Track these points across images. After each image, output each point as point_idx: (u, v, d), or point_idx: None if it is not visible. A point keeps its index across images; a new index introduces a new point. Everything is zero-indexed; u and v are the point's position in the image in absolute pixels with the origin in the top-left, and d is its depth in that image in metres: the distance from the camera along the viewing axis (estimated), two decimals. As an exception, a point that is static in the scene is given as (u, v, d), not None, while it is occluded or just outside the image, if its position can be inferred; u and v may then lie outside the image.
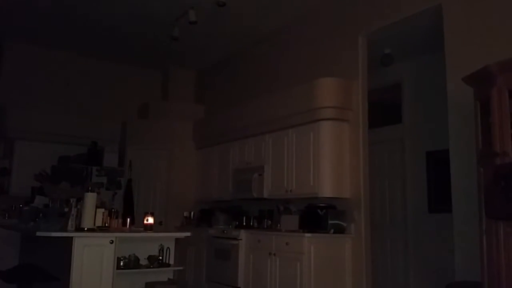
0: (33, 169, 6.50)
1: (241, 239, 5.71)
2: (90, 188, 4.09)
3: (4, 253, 5.71)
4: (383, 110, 6.83)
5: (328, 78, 5.34)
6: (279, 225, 5.60)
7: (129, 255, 4.08)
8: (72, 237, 3.68)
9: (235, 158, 6.69)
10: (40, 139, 7.24)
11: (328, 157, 5.20)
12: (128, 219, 4.67)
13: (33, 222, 4.81)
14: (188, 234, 4.59)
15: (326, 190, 5.15)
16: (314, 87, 5.35)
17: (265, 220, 6.07)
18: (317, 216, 5.12)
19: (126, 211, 6.21)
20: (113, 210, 4.55)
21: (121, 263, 3.98)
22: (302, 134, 5.48)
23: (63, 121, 7.45)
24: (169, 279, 4.27)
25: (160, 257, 4.26)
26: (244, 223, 6.27)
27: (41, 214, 4.92)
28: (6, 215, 6.57)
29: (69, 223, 3.86)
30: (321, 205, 5.19)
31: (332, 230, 5.05)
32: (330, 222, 5.06)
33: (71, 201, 4.00)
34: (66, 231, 3.81)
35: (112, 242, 3.79)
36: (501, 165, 3.14)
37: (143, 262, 4.17)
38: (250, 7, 6.09)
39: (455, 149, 4.29)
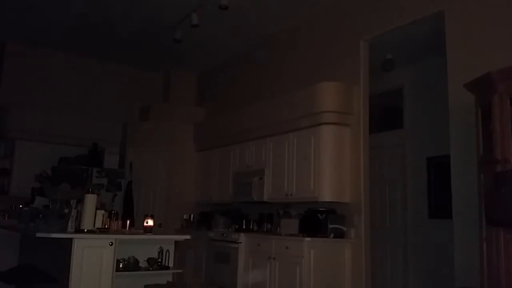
0: (33, 170, 6.51)
1: (240, 243, 5.71)
2: (90, 190, 4.10)
3: (3, 254, 5.70)
4: (384, 115, 6.83)
5: (329, 83, 5.34)
6: (279, 229, 5.60)
7: (129, 257, 4.08)
8: (71, 239, 3.68)
9: (235, 161, 6.69)
10: (40, 140, 7.24)
11: (329, 162, 5.20)
12: (128, 221, 4.66)
13: (33, 223, 4.81)
14: (188, 237, 4.59)
15: (326, 194, 5.14)
16: (315, 91, 5.35)
17: (265, 223, 6.07)
18: (317, 221, 5.12)
19: (126, 213, 6.21)
20: (113, 211, 4.56)
21: (121, 265, 3.97)
22: (303, 138, 5.48)
23: (64, 122, 7.46)
24: (168, 281, 4.26)
25: (160, 260, 4.25)
26: (244, 227, 6.26)
27: (41, 215, 4.93)
28: (6, 216, 6.56)
29: (69, 224, 3.85)
30: (321, 209, 5.20)
31: (332, 235, 5.04)
32: (330, 226, 5.06)
33: (71, 202, 4.00)
34: (65, 232, 3.81)
35: (111, 244, 3.79)
36: (502, 172, 3.14)
37: (143, 264, 4.17)
38: (252, 11, 6.10)
39: (456, 155, 4.29)
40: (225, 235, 6.05)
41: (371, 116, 5.37)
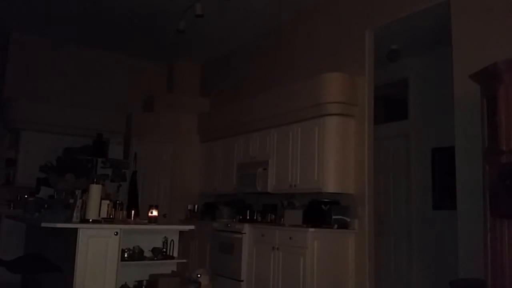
0: (38, 160, 6.53)
1: (244, 233, 5.73)
2: (95, 180, 4.11)
3: (9, 244, 5.76)
4: (389, 106, 6.80)
5: (334, 73, 5.32)
6: (282, 219, 5.60)
7: (134, 247, 4.11)
8: (77, 229, 3.70)
9: (239, 152, 6.70)
10: (46, 130, 7.27)
11: (333, 153, 5.19)
12: (133, 211, 4.69)
13: (38, 213, 4.84)
14: (192, 227, 4.61)
15: (330, 185, 5.15)
16: (320, 82, 5.33)
17: (269, 214, 6.08)
18: (321, 211, 5.12)
19: (131, 203, 6.24)
20: (117, 202, 4.58)
21: (126, 255, 4.01)
22: (307, 129, 5.47)
23: (69, 113, 7.48)
24: (172, 271, 4.29)
25: (164, 250, 4.28)
26: (248, 217, 6.28)
27: (46, 205, 4.96)
28: (12, 206, 6.62)
29: (74, 214, 3.88)
30: (325, 200, 5.20)
31: (335, 225, 5.05)
32: (334, 217, 5.06)
33: (76, 192, 4.03)
34: (71, 222, 3.83)
35: (116, 233, 3.82)
36: (507, 163, 3.13)
37: (147, 254, 4.20)
38: (257, 0, 6.06)
39: (461, 146, 4.28)
40: (229, 225, 6.08)
41: (375, 107, 5.36)
